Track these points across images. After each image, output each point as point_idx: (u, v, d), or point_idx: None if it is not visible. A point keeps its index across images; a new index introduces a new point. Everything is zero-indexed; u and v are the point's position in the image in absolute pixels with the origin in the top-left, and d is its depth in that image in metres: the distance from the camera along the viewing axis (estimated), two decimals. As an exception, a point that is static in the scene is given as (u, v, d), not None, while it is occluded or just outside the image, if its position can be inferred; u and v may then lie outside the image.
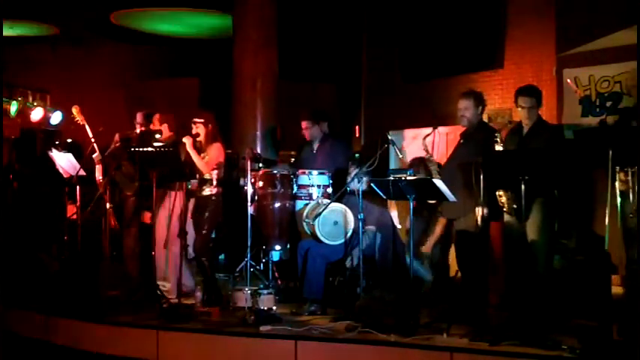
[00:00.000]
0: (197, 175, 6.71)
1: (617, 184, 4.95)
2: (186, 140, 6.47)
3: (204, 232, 6.59)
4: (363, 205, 6.02)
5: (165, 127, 6.84)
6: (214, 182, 6.60)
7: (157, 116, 6.94)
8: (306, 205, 6.69)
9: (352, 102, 12.37)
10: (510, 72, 9.34)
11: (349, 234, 6.22)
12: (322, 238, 6.23)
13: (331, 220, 6.23)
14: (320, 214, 6.17)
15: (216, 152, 6.59)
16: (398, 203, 6.96)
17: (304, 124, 7.32)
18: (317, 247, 6.23)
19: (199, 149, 6.58)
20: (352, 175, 6.25)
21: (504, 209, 5.37)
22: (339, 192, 6.40)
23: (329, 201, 6.35)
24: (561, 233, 5.52)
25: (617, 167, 4.86)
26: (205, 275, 6.67)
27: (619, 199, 4.99)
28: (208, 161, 6.52)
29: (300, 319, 5.92)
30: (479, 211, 5.47)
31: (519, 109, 5.47)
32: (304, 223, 6.40)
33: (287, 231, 7.07)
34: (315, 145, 7.40)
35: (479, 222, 5.49)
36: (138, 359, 5.70)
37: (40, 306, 6.47)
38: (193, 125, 6.62)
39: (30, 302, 6.62)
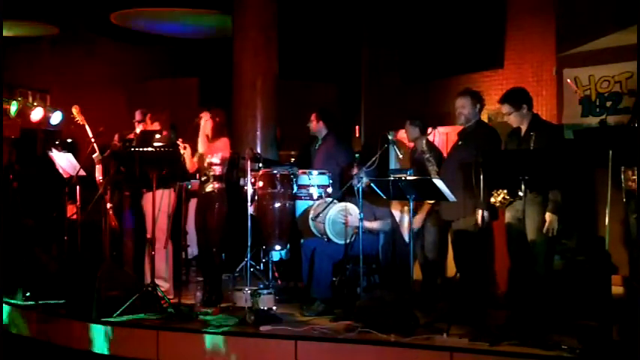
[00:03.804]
0: (197, 175, 6.71)
1: (622, 183, 4.95)
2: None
3: (215, 227, 6.54)
4: (368, 205, 6.04)
5: (156, 126, 6.82)
6: (216, 178, 6.56)
7: (148, 115, 6.93)
8: (311, 205, 6.68)
9: (352, 102, 12.37)
10: (510, 72, 9.32)
11: (351, 233, 6.22)
12: (332, 237, 6.23)
13: (341, 220, 6.23)
14: (326, 213, 6.18)
15: (222, 145, 6.57)
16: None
17: (312, 115, 7.50)
18: (323, 247, 6.23)
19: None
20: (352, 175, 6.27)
21: (497, 206, 5.36)
22: (339, 192, 6.42)
23: (331, 199, 6.36)
24: (562, 233, 5.51)
25: (623, 167, 4.86)
26: (211, 274, 6.64)
27: (625, 198, 4.97)
28: (212, 147, 6.50)
29: (301, 319, 5.92)
30: (479, 213, 5.47)
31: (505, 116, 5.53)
32: (311, 223, 6.39)
33: (287, 231, 7.07)
34: (318, 143, 7.46)
35: (479, 223, 5.50)
36: (138, 359, 5.71)
37: (40, 306, 6.47)
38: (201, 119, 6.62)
39: (30, 302, 6.62)
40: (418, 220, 6.21)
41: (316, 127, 7.44)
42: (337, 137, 7.63)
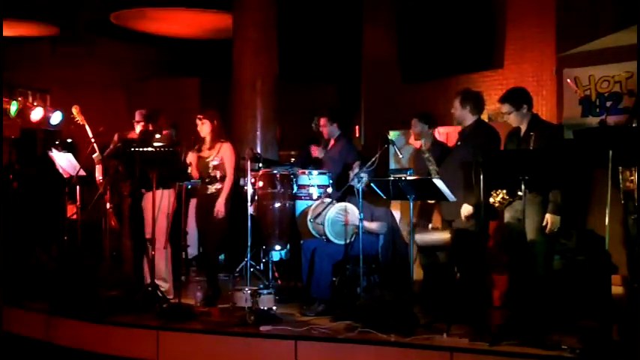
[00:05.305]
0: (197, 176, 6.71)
1: (621, 183, 4.95)
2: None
3: (215, 227, 6.52)
4: (366, 206, 6.04)
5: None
6: (219, 179, 6.55)
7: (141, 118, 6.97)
8: (309, 206, 6.68)
9: (352, 102, 12.37)
10: (510, 72, 9.34)
11: (351, 233, 6.22)
12: (332, 238, 6.23)
13: (340, 220, 6.23)
14: (326, 214, 6.18)
15: (229, 153, 6.53)
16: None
17: (322, 121, 7.38)
18: (323, 247, 6.23)
19: (203, 144, 6.59)
20: (352, 174, 6.27)
21: (496, 206, 5.37)
22: (339, 192, 6.43)
23: (330, 200, 6.36)
24: (562, 233, 5.51)
25: (621, 167, 4.86)
26: (211, 274, 6.65)
27: (623, 199, 4.98)
28: (228, 168, 6.52)
29: (301, 319, 5.92)
30: (465, 208, 5.48)
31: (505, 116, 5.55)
32: (310, 224, 6.39)
33: (287, 231, 7.08)
34: (330, 143, 7.43)
35: (462, 218, 5.52)
36: (138, 359, 5.71)
37: (40, 306, 6.47)
38: (198, 121, 6.59)
39: (30, 302, 6.62)
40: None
41: (330, 129, 7.37)
42: (348, 138, 7.64)
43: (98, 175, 7.19)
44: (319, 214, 6.26)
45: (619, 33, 6.94)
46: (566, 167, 4.97)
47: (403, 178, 5.65)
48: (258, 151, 8.68)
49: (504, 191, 5.26)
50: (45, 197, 8.76)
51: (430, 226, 6.29)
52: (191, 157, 6.59)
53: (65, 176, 7.39)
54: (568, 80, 6.98)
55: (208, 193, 6.54)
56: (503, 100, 5.51)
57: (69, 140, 9.85)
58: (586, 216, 6.54)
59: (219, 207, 6.42)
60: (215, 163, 6.50)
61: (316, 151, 7.40)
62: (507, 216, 5.47)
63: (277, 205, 7.03)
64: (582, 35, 7.58)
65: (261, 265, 7.29)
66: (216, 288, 6.52)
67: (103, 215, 7.24)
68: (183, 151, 6.66)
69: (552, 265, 5.65)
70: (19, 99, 10.97)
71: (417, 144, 6.71)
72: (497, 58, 9.48)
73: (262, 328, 5.53)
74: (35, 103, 11.14)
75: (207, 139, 6.57)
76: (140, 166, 6.27)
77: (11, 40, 11.87)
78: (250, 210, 6.86)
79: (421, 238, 6.03)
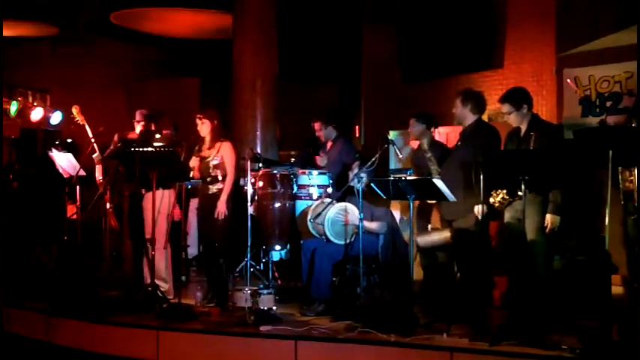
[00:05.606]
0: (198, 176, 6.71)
1: (620, 183, 4.96)
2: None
3: (218, 227, 6.50)
4: (366, 206, 6.04)
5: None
6: (220, 179, 6.54)
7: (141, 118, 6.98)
8: (309, 206, 6.68)
9: (352, 102, 12.37)
10: (510, 72, 9.34)
11: (351, 233, 6.21)
12: (332, 238, 6.23)
13: (340, 220, 6.23)
14: (326, 214, 6.18)
15: (229, 152, 6.53)
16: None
17: (316, 125, 7.36)
18: (323, 247, 6.23)
19: (203, 144, 6.58)
20: (352, 174, 6.27)
21: (496, 206, 5.37)
22: (339, 191, 6.43)
23: (330, 200, 6.36)
24: (562, 233, 5.51)
25: (620, 167, 4.87)
26: (217, 275, 6.64)
27: (622, 200, 4.98)
28: (228, 166, 6.51)
29: (301, 319, 5.92)
30: (478, 209, 5.47)
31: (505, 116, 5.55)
32: (310, 224, 6.39)
33: (287, 231, 7.07)
34: (328, 145, 7.42)
35: (478, 219, 5.51)
36: (138, 359, 5.71)
37: (40, 306, 6.48)
38: (198, 121, 6.58)
39: (30, 302, 6.62)
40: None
41: (326, 132, 7.37)
42: (346, 138, 7.62)
43: (98, 175, 7.20)
44: (319, 214, 6.25)
45: (619, 33, 6.94)
46: (566, 167, 4.97)
47: (403, 178, 5.65)
48: (258, 151, 8.67)
49: (504, 191, 5.26)
50: (45, 197, 8.77)
51: (430, 227, 6.29)
52: (194, 162, 6.59)
53: (65, 176, 7.39)
54: (568, 80, 6.98)
55: (210, 193, 6.54)
56: (503, 100, 5.52)
57: (69, 140, 9.85)
58: (586, 216, 6.53)
59: (221, 207, 6.42)
60: (215, 162, 6.50)
61: (319, 160, 7.41)
62: (507, 216, 5.47)
63: (277, 205, 7.03)
64: (582, 35, 7.58)
65: (261, 265, 7.29)
66: (225, 287, 6.50)
67: (103, 215, 7.24)
68: (185, 152, 6.66)
69: (552, 265, 5.66)
70: (19, 99, 10.98)
71: (416, 144, 6.71)
72: (497, 58, 9.48)
73: (262, 328, 5.53)
74: (35, 103, 11.14)
75: (207, 138, 6.58)
76: (140, 166, 6.28)
77: (11, 40, 11.86)
78: (250, 210, 6.85)
79: (422, 239, 6.03)
